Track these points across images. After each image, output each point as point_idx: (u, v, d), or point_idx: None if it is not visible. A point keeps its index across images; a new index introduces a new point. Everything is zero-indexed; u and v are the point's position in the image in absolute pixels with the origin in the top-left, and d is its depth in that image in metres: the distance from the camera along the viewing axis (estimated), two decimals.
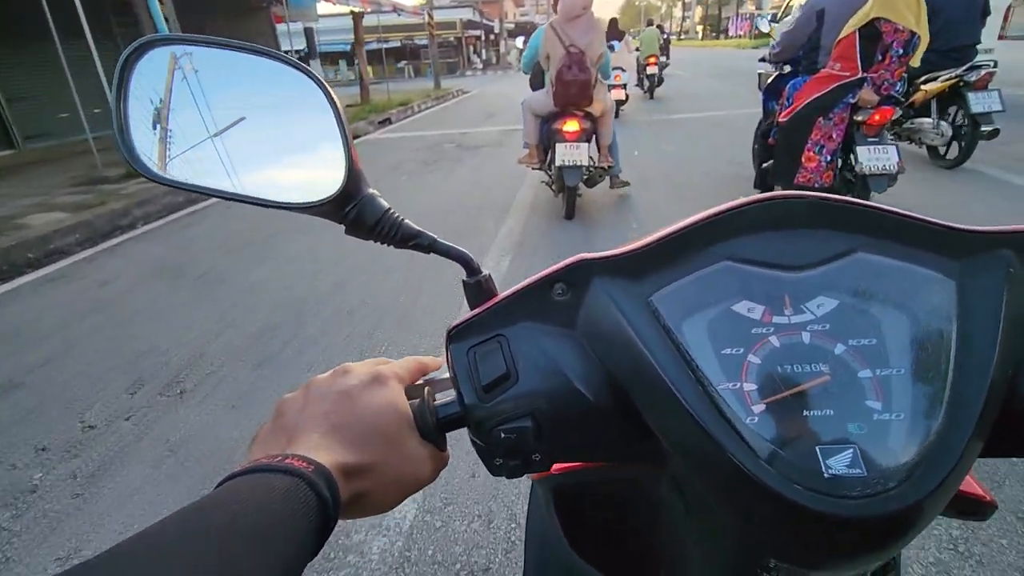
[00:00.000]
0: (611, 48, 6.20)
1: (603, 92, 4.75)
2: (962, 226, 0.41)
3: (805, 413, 0.36)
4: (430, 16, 20.65)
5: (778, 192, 0.43)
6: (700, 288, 0.42)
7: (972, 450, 0.35)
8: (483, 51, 46.93)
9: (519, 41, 5.79)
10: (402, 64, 39.22)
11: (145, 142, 0.45)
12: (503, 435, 0.44)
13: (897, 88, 3.69)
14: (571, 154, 4.49)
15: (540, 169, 5.16)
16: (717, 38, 76.97)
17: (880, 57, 3.57)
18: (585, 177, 4.90)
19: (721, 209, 0.43)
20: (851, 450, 0.35)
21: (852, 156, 3.79)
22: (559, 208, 5.17)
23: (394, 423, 0.43)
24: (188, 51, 0.45)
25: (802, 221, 0.43)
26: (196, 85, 0.45)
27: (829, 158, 3.83)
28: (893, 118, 3.76)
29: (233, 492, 0.32)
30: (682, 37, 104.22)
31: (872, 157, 3.67)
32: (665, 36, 14.47)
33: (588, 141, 4.63)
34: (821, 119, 3.78)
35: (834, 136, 3.77)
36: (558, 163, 4.55)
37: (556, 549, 0.63)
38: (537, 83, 5.02)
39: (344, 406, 0.42)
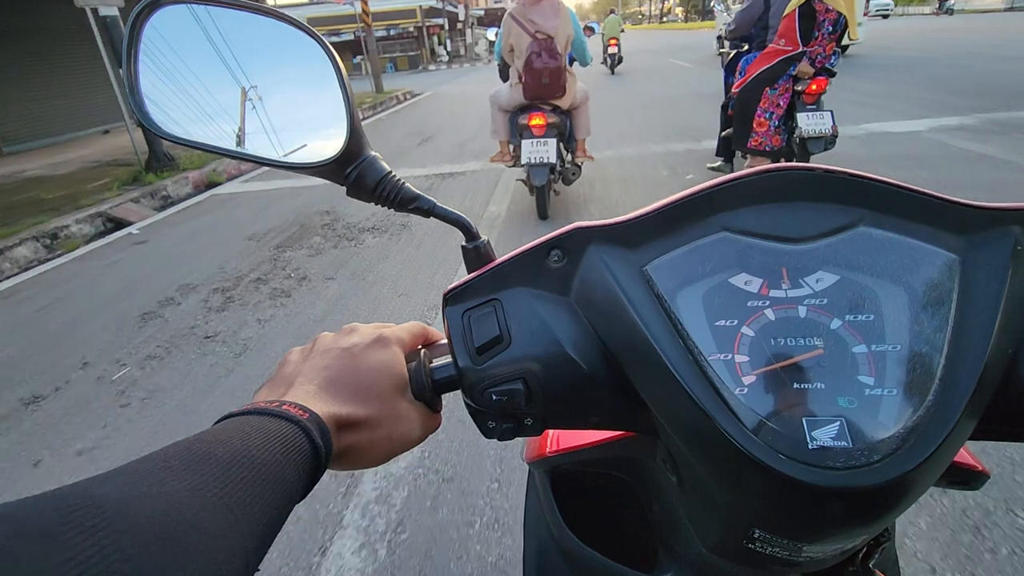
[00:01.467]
0: (591, 30, 6.00)
1: (574, 83, 4.47)
2: (969, 201, 0.40)
3: (796, 386, 0.36)
4: (364, 4, 15.90)
5: (781, 164, 0.42)
6: (696, 259, 0.42)
7: (963, 428, 0.35)
8: (447, 42, 40.07)
9: (491, 32, 5.35)
10: (358, 59, 33.82)
11: (155, 100, 0.46)
12: (494, 397, 0.45)
13: (831, 61, 4.21)
14: (538, 151, 4.22)
15: (514, 166, 4.84)
16: (704, 20, 77.34)
17: (816, 34, 4.07)
18: (557, 173, 4.62)
19: (722, 180, 0.43)
20: (838, 423, 0.35)
21: (793, 121, 4.33)
22: (530, 209, 4.82)
23: (389, 382, 0.45)
24: (197, 10, 0.46)
25: (804, 193, 0.42)
26: (204, 44, 0.46)
27: (777, 123, 4.38)
28: (827, 88, 4.25)
29: (234, 428, 0.34)
30: (664, 20, 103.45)
31: (810, 122, 4.20)
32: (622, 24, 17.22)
33: (558, 137, 4.39)
34: (768, 89, 4.32)
35: (780, 103, 4.33)
36: (524, 160, 4.30)
37: (554, 530, 0.64)
38: (505, 76, 4.73)
39: (344, 362, 0.44)
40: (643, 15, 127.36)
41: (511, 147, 4.76)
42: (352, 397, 0.42)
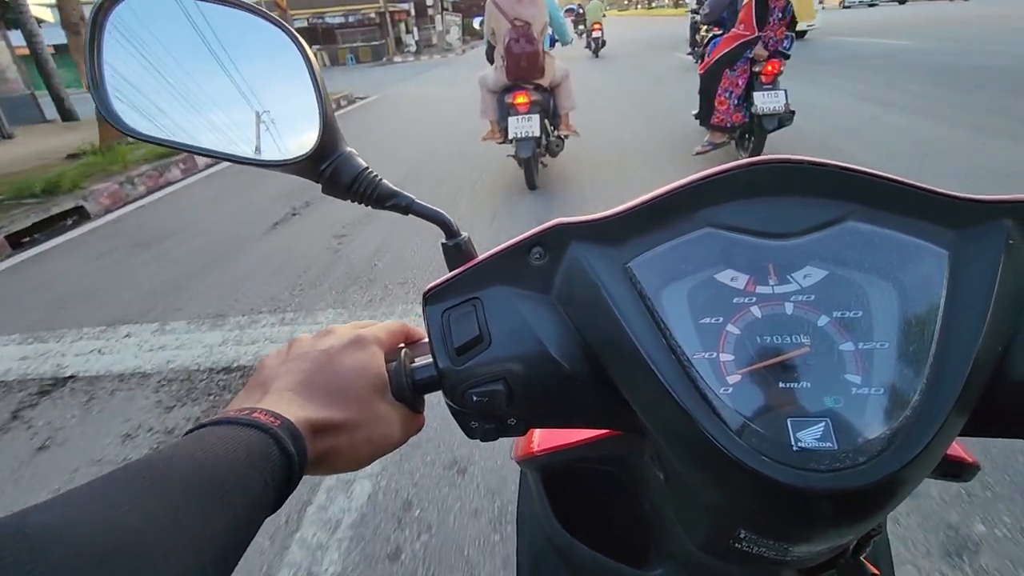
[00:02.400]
0: (572, 12, 7.36)
1: (552, 63, 4.84)
2: (960, 194, 0.39)
3: (781, 385, 0.36)
4: None
5: (767, 156, 0.41)
6: (680, 255, 0.41)
7: (952, 426, 0.34)
8: (415, 30, 34.61)
9: (476, 21, 5.91)
10: (315, 48, 30.65)
11: (120, 95, 0.44)
12: (475, 398, 0.44)
13: (784, 45, 4.65)
14: (523, 126, 4.63)
15: (504, 143, 5.15)
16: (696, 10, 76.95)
17: (770, 20, 4.50)
18: (543, 146, 5.03)
19: (705, 174, 0.42)
20: (823, 423, 0.34)
21: (750, 99, 4.74)
22: (520, 186, 5.18)
23: (368, 384, 0.44)
24: (162, 2, 0.44)
25: (791, 187, 0.41)
26: (171, 37, 0.44)
27: (736, 101, 4.82)
28: (782, 69, 4.64)
29: (198, 442, 0.33)
30: (652, 6, 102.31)
31: (765, 100, 4.59)
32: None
33: (541, 113, 4.74)
34: (728, 70, 4.76)
35: (739, 83, 4.76)
36: (510, 135, 4.70)
37: (546, 528, 0.64)
38: (491, 58, 5.08)
39: (321, 365, 0.43)
40: (629, 0, 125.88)
41: (500, 126, 5.03)
42: (329, 400, 0.42)
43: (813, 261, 0.39)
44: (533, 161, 4.86)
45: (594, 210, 0.44)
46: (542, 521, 0.65)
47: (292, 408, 0.39)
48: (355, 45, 30.94)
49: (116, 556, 0.24)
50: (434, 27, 35.47)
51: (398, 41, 33.44)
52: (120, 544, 0.24)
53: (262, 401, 0.40)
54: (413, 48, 33.38)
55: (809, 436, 0.34)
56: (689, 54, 13.16)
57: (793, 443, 0.34)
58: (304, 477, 0.38)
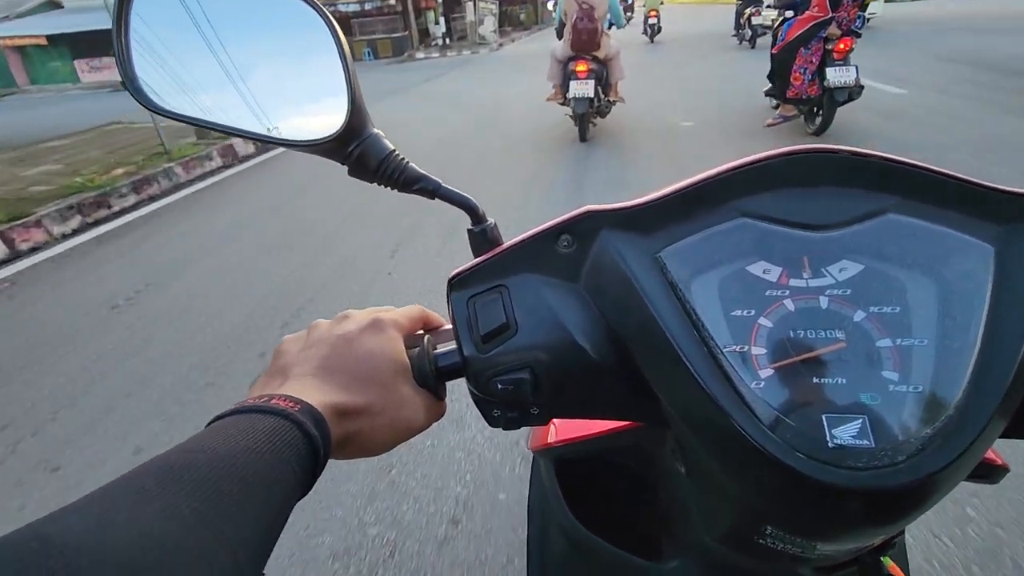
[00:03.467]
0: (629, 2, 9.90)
1: (608, 41, 6.19)
2: (1007, 188, 0.38)
3: (815, 380, 0.35)
4: None
5: (805, 146, 0.40)
6: (713, 245, 0.40)
7: (994, 428, 0.33)
8: (442, 20, 27.14)
9: (550, 3, 7.72)
10: None
11: (148, 74, 0.44)
12: (500, 387, 0.43)
13: (856, 24, 5.18)
14: (580, 88, 5.95)
15: (564, 105, 6.48)
16: None
17: (843, 2, 5.05)
18: (595, 108, 6.34)
19: (741, 163, 0.41)
20: (860, 420, 0.33)
21: (823, 75, 5.27)
22: (573, 137, 6.57)
23: (389, 367, 0.44)
24: None
25: (829, 178, 0.40)
26: (199, 15, 0.43)
27: (810, 77, 5.37)
28: (853, 47, 5.16)
29: (218, 433, 0.32)
30: None
31: (837, 75, 5.11)
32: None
33: (595, 80, 6.02)
34: (803, 48, 5.31)
35: (813, 60, 5.29)
36: (570, 95, 6.04)
37: (558, 516, 0.63)
38: (560, 35, 6.38)
39: (341, 350, 0.43)
40: None
41: (562, 90, 6.39)
42: (350, 384, 0.41)
43: (850, 255, 0.38)
44: (586, 118, 6.26)
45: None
46: (554, 510, 0.65)
47: (313, 393, 0.38)
48: (374, 37, 25.59)
49: (143, 561, 0.23)
50: (463, 16, 29.32)
51: (424, 33, 27.74)
52: (146, 547, 0.24)
53: (283, 387, 0.39)
54: (440, 41, 27.23)
55: (845, 433, 0.33)
56: (734, 35, 15.15)
57: (829, 439, 0.33)
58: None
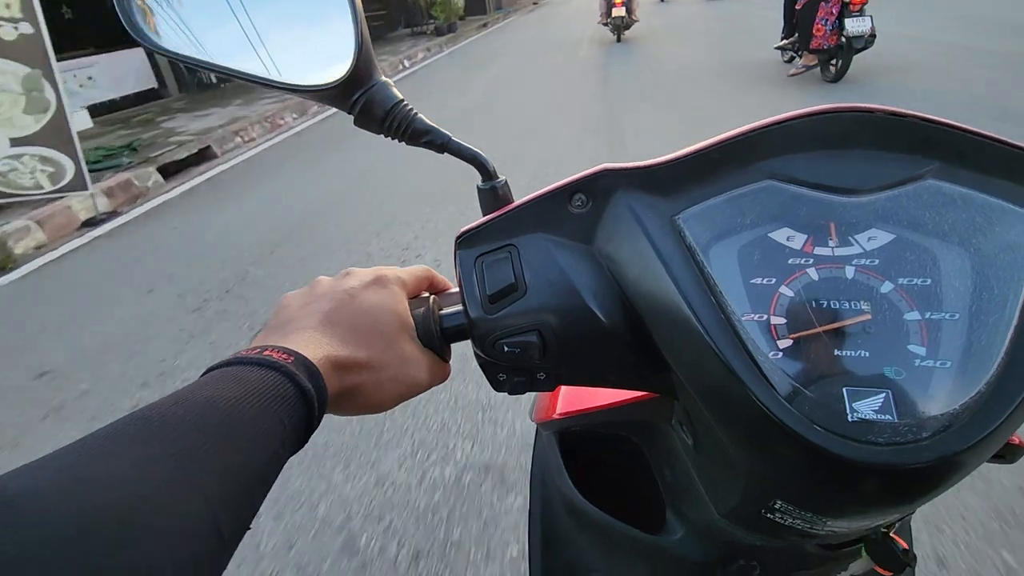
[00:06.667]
0: None
1: None
2: None
3: (836, 352, 0.33)
4: None
5: (838, 104, 0.38)
6: (734, 209, 0.38)
7: None
8: None
9: None
10: None
11: (145, 7, 0.42)
12: (507, 349, 0.42)
13: None
14: (618, 11, 10.88)
15: (606, 25, 11.71)
16: None
17: None
18: (624, 23, 11.30)
19: (768, 122, 0.38)
20: (883, 394, 0.32)
21: (842, 25, 5.82)
22: (613, 40, 11.84)
23: (392, 323, 0.43)
24: None
25: (863, 139, 0.37)
26: None
27: (831, 28, 5.89)
28: (867, 0, 5.70)
29: (206, 385, 0.31)
30: None
31: (855, 25, 5.68)
32: None
33: (626, 6, 10.87)
34: (823, 3, 5.89)
35: (833, 12, 5.84)
36: (613, 16, 11.02)
37: (562, 490, 0.63)
38: None
39: (342, 304, 0.42)
40: None
41: (606, 16, 11.38)
42: (352, 337, 0.40)
43: (880, 223, 0.36)
44: (620, 28, 11.46)
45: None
46: (557, 483, 0.64)
47: (311, 346, 0.37)
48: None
49: (107, 516, 0.22)
50: None
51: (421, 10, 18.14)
52: (115, 501, 0.22)
53: (284, 341, 0.38)
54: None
55: (867, 407, 0.31)
56: None
57: (849, 413, 0.31)
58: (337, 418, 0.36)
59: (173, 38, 0.43)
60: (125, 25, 0.41)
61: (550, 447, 0.67)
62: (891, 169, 0.37)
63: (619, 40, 11.59)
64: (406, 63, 12.70)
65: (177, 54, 0.43)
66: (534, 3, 29.80)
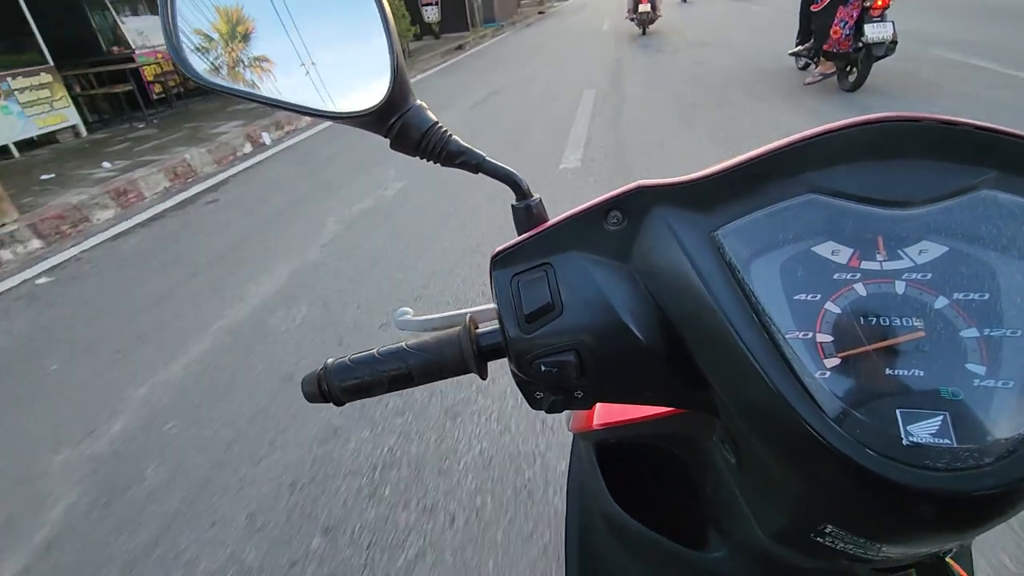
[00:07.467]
0: None
1: None
2: None
3: (888, 372, 0.32)
4: None
5: (884, 114, 0.36)
6: (776, 224, 0.37)
7: None
8: None
9: None
10: None
11: (193, 45, 0.44)
12: (544, 368, 0.42)
13: None
14: (644, 7, 12.76)
15: (632, 20, 13.43)
16: None
17: None
18: (649, 19, 12.97)
19: (811, 133, 0.37)
20: (940, 417, 0.30)
21: (861, 31, 5.53)
22: (638, 33, 13.61)
23: None
24: None
25: (911, 149, 0.36)
26: None
27: (848, 32, 5.67)
28: (890, 3, 5.39)
29: None
30: None
31: (874, 30, 5.38)
32: None
33: (652, 4, 12.58)
34: (842, 6, 5.68)
35: (853, 15, 5.60)
36: (639, 11, 12.91)
37: (598, 500, 0.62)
38: None
39: None
40: None
41: (633, 13, 13.12)
42: None
43: (931, 235, 0.34)
44: (645, 23, 13.32)
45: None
46: (595, 494, 0.63)
47: None
48: None
49: None
50: None
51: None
52: None
53: None
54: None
55: (923, 430, 0.30)
56: None
57: (904, 436, 0.30)
58: None
59: (220, 73, 0.45)
60: (176, 63, 0.43)
61: (588, 459, 0.67)
62: (942, 180, 0.35)
63: (644, 33, 13.67)
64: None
65: (226, 87, 0.45)
66: (540, 12, 26.79)
